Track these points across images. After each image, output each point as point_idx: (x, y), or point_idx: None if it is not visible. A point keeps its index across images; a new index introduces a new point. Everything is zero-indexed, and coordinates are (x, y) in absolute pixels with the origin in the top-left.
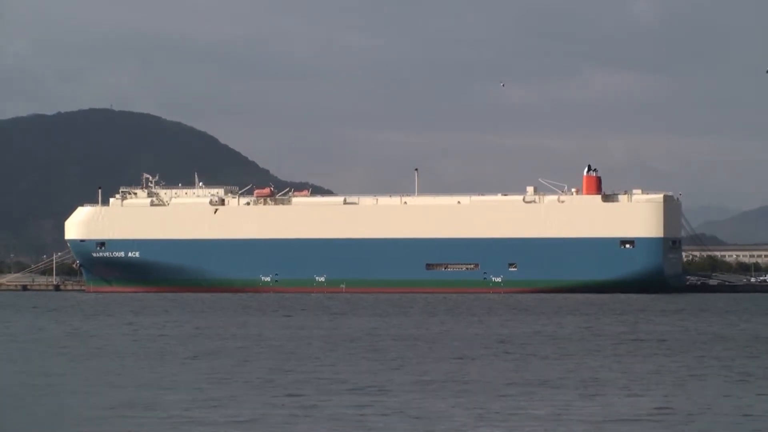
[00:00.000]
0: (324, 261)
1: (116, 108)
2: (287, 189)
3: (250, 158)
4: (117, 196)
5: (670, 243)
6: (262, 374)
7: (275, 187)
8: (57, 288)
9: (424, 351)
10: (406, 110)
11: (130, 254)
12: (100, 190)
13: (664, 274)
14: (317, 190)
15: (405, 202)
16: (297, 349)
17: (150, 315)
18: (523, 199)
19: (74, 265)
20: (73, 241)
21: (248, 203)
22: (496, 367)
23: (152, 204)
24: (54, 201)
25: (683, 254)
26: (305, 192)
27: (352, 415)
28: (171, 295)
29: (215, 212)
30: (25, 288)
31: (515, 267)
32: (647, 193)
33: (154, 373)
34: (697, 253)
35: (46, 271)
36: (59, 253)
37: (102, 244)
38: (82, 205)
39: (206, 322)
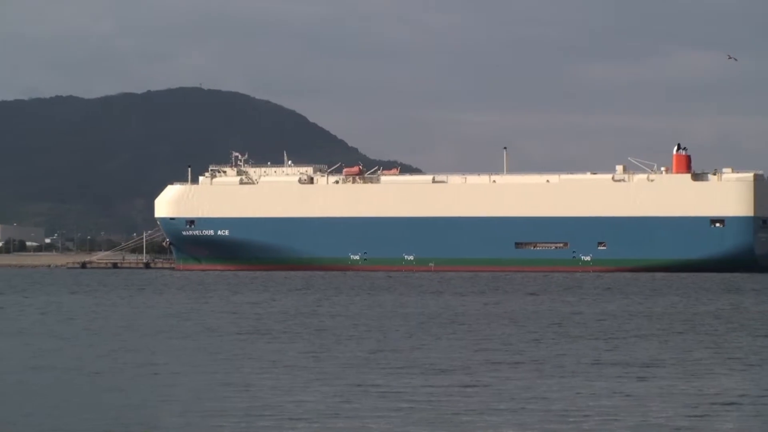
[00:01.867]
0: (413, 239)
1: (205, 87)
2: (376, 167)
3: (339, 137)
4: (206, 174)
5: (761, 222)
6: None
7: (364, 166)
8: (147, 266)
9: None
10: (494, 90)
11: (219, 232)
12: (189, 169)
13: (754, 253)
14: (406, 169)
15: (494, 181)
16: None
17: (249, 292)
18: (612, 178)
19: (164, 243)
20: (162, 219)
21: (337, 182)
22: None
23: (241, 182)
24: (144, 179)
25: None
26: (394, 170)
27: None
28: (262, 273)
29: (304, 188)
30: (115, 265)
31: (604, 246)
32: (737, 172)
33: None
34: None
35: (136, 249)
36: (149, 231)
37: (191, 222)
38: (171, 184)
39: (316, 299)
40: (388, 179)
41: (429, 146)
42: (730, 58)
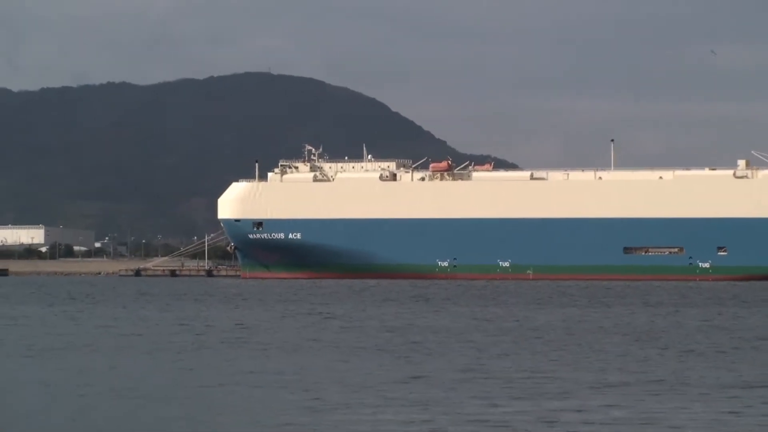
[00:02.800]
0: (508, 244)
1: (275, 72)
2: (467, 163)
3: (424, 128)
4: (276, 170)
5: None
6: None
7: (453, 161)
8: (209, 273)
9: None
10: (600, 75)
11: (290, 236)
12: (257, 164)
13: None
14: (500, 164)
15: (599, 178)
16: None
17: (335, 303)
18: (734, 174)
19: (228, 248)
20: (227, 221)
21: (423, 178)
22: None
23: (315, 179)
24: (205, 176)
25: None
26: (487, 166)
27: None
28: (339, 282)
29: (387, 185)
30: (173, 273)
31: (725, 251)
32: None
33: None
34: None
35: (196, 255)
36: (211, 235)
37: (259, 224)
38: (236, 181)
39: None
40: (480, 176)
41: (526, 139)
42: (715, 53)
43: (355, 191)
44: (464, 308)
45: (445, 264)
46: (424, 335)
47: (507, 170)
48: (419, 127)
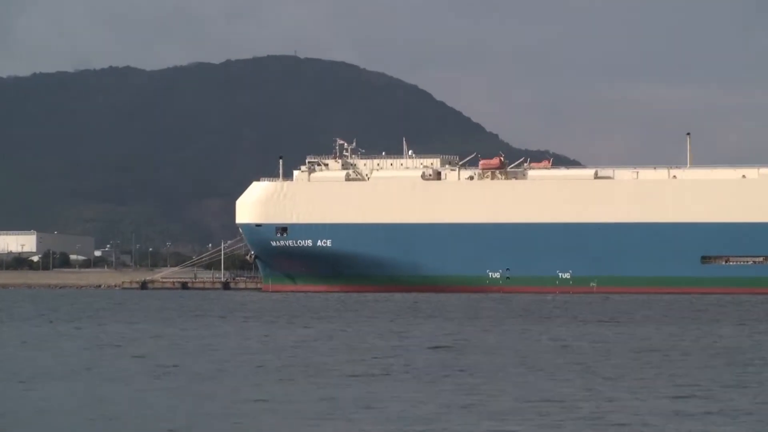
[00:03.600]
0: (569, 252)
1: (302, 55)
2: (522, 159)
3: (473, 119)
4: (303, 168)
5: None
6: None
7: (506, 157)
8: (226, 286)
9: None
10: (675, 60)
11: (319, 243)
12: (281, 161)
13: None
14: (560, 161)
15: (674, 177)
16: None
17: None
18: None
19: (248, 257)
20: (246, 226)
21: (472, 177)
22: None
23: (348, 178)
24: (222, 174)
25: None
26: (545, 163)
27: None
28: (376, 296)
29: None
30: (185, 285)
31: None
32: None
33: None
34: None
35: (211, 265)
36: (228, 242)
37: (284, 229)
38: (257, 180)
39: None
40: (537, 174)
41: (590, 132)
42: None
43: (393, 192)
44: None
45: (497, 275)
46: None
47: (568, 168)
48: (467, 119)
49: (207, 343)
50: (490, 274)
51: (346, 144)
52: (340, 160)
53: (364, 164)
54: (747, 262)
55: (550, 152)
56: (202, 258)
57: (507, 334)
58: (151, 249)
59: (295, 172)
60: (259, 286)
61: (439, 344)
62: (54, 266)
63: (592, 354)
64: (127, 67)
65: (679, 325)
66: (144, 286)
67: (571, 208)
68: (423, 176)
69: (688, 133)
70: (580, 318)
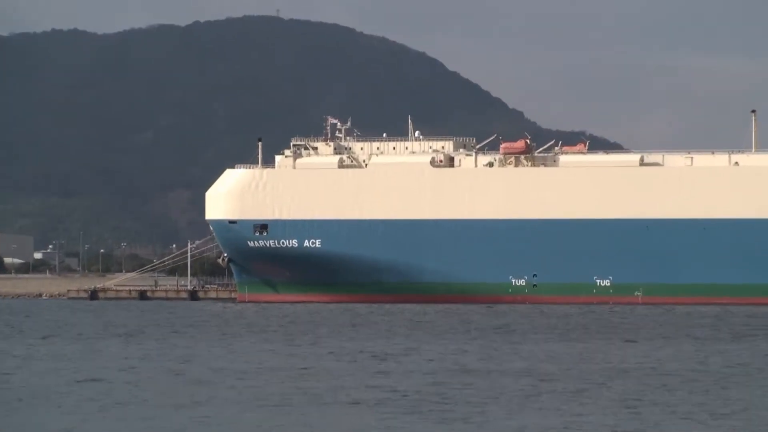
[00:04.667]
0: (609, 255)
1: (285, 16)
2: (552, 142)
3: (493, 94)
4: (287, 152)
5: None
6: None
7: (533, 139)
8: (193, 295)
9: None
10: (738, 26)
11: (307, 243)
12: (260, 144)
13: None
14: (598, 144)
15: (736, 163)
16: None
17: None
18: None
19: (220, 261)
20: (218, 223)
21: (491, 164)
22: None
23: (342, 165)
24: (189, 160)
25: None
26: (580, 146)
27: None
28: (385, 308)
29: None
30: (143, 295)
31: None
32: None
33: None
34: None
35: (176, 270)
36: (196, 242)
37: (263, 227)
38: (232, 167)
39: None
40: (570, 160)
41: (634, 110)
42: None
43: (396, 182)
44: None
45: (522, 282)
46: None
47: (607, 152)
48: (486, 93)
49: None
50: (513, 281)
51: (339, 123)
52: (331, 143)
53: (361, 148)
54: None
55: (586, 134)
56: (164, 262)
57: (630, 357)
58: (102, 251)
59: (278, 158)
60: (233, 295)
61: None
62: None
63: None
64: (74, 30)
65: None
66: (94, 295)
67: (611, 201)
68: (432, 162)
69: (754, 111)
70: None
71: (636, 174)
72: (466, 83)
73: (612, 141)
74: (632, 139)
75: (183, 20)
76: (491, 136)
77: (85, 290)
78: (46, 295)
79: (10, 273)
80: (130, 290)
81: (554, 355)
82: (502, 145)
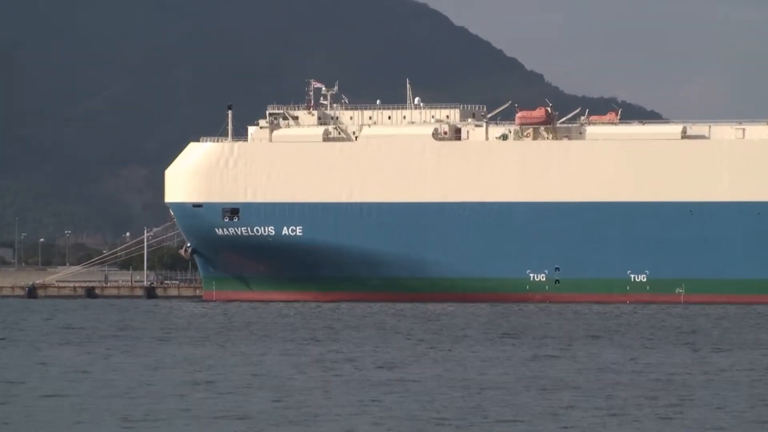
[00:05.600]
0: (646, 245)
1: None
2: (577, 110)
3: (507, 53)
4: (262, 122)
5: None
6: None
7: (556, 107)
8: (151, 292)
9: None
10: None
11: (286, 231)
12: (230, 113)
13: None
14: (632, 112)
15: None
16: None
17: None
18: None
19: (182, 251)
20: (180, 207)
21: (505, 136)
22: None
23: (327, 137)
24: (145, 133)
25: None
26: (610, 115)
27: None
28: (390, 307)
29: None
30: (91, 292)
31: None
32: None
33: None
34: None
35: (130, 263)
36: (154, 230)
37: (234, 211)
38: (196, 140)
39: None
40: (599, 131)
41: (674, 73)
42: None
43: (392, 157)
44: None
45: (542, 277)
46: None
47: (643, 123)
48: (499, 52)
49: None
50: (531, 275)
51: (324, 88)
52: (315, 112)
53: (351, 118)
54: None
55: (618, 100)
56: (116, 253)
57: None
58: (42, 240)
59: (251, 129)
60: (198, 293)
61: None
62: None
63: None
64: None
65: None
66: (32, 292)
67: (648, 181)
68: (435, 135)
69: None
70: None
71: (677, 148)
72: (475, 40)
73: (648, 109)
74: (673, 107)
75: None
76: (505, 103)
77: (21, 287)
78: None
79: None
80: (75, 287)
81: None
82: (518, 114)
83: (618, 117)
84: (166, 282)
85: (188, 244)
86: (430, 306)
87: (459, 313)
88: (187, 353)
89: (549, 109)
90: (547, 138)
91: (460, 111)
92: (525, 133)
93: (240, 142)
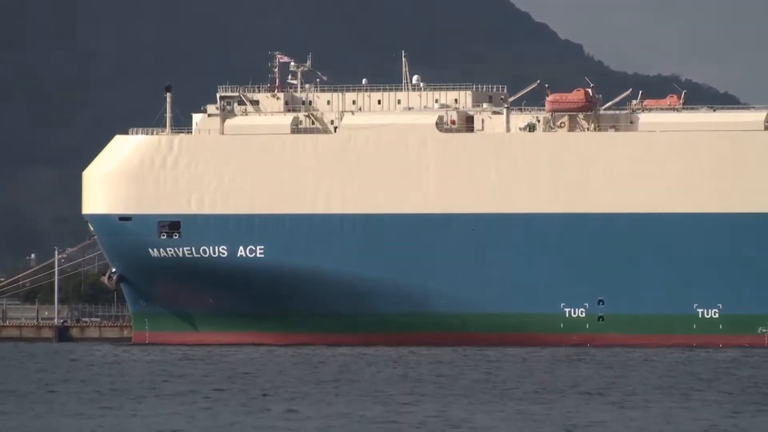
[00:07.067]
0: (718, 270)
1: None
2: (628, 92)
3: (535, 17)
4: (211, 108)
5: None
6: None
7: (599, 89)
8: (63, 333)
9: None
10: None
11: (242, 252)
12: (168, 96)
13: None
14: (700, 95)
15: None
16: None
17: None
18: None
19: (104, 279)
20: (101, 220)
21: (532, 126)
22: None
23: (297, 128)
24: (52, 125)
25: None
26: (671, 99)
27: None
28: (385, 352)
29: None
30: None
31: None
32: None
33: None
34: None
35: (35, 294)
36: (68, 250)
37: (173, 226)
38: (123, 132)
39: None
40: (655, 119)
41: (753, 43)
42: None
43: (383, 154)
44: None
45: (581, 313)
46: None
47: (714, 108)
48: (525, 16)
49: None
50: (567, 311)
51: (293, 64)
52: (281, 95)
53: (328, 102)
54: None
55: (681, 79)
56: (17, 281)
57: None
58: None
59: (197, 117)
60: (126, 334)
61: None
62: None
63: None
64: None
65: None
66: None
67: (720, 184)
68: (440, 125)
69: None
70: None
71: (761, 142)
72: (491, 0)
73: (722, 92)
74: (753, 89)
75: None
76: (532, 82)
77: None
78: None
79: None
80: None
81: None
82: (549, 98)
83: (681, 101)
84: (83, 320)
85: (113, 270)
86: (434, 351)
87: (463, 361)
88: None
89: (590, 90)
90: (588, 129)
91: (473, 93)
92: (558, 123)
93: (182, 135)
